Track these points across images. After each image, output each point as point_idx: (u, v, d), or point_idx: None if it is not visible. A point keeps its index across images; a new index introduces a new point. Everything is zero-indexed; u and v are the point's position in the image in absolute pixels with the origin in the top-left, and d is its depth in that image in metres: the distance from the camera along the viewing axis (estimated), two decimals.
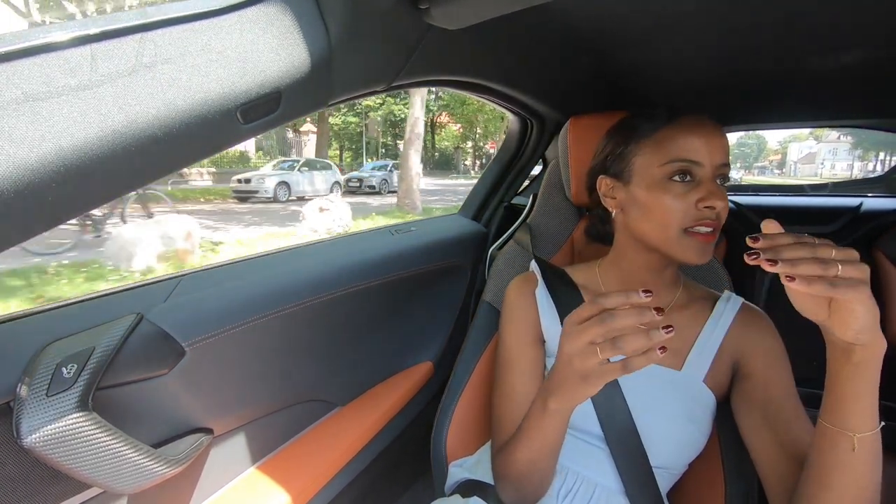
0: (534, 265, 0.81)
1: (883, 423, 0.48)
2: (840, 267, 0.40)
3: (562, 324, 0.73)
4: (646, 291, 0.45)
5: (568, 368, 0.49)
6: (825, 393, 0.49)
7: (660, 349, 0.43)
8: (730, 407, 0.68)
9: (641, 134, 0.68)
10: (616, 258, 0.75)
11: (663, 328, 0.43)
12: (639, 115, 0.70)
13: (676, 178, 0.63)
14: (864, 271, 0.41)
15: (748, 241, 0.43)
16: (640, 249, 0.70)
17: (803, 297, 0.45)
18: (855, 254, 0.42)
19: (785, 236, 0.42)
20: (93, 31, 0.37)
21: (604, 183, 0.72)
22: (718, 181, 0.64)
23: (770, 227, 0.44)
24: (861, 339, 0.43)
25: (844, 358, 0.46)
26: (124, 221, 6.38)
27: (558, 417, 0.56)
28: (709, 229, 0.62)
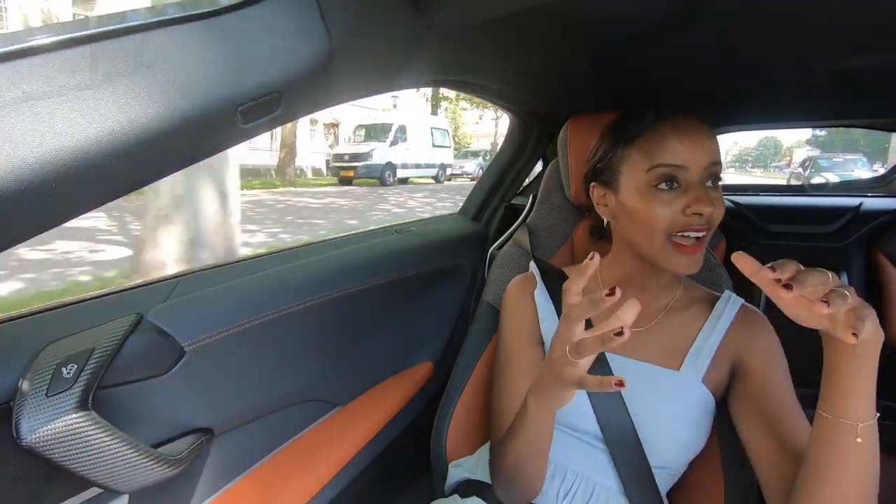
0: (533, 266, 0.81)
1: (878, 416, 0.48)
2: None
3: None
4: (609, 294, 0.43)
5: (551, 371, 0.50)
6: (825, 385, 0.49)
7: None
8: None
9: (627, 139, 0.67)
10: (613, 261, 0.75)
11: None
12: (626, 117, 0.69)
13: (663, 185, 0.62)
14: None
15: (770, 275, 0.42)
16: (634, 255, 0.70)
17: (797, 307, 0.45)
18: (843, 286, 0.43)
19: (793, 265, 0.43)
20: (93, 31, 0.37)
21: (595, 191, 0.72)
22: (710, 183, 0.63)
23: (742, 261, 0.44)
24: (864, 337, 0.43)
25: (845, 353, 0.46)
26: None
27: (539, 419, 0.56)
28: (699, 234, 0.62)
